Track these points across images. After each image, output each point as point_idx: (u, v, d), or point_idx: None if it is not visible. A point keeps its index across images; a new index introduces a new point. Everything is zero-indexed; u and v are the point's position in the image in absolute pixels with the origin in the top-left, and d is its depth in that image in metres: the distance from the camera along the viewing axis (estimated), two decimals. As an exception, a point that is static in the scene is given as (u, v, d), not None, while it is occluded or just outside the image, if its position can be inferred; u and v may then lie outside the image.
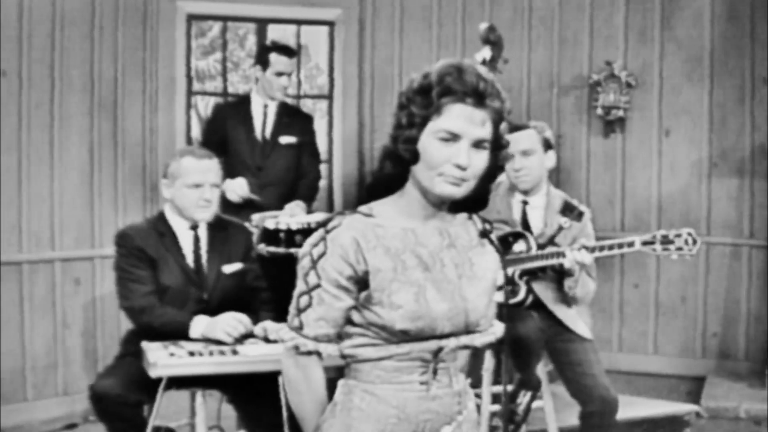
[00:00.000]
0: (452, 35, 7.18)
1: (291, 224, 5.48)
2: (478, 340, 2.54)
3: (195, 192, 4.48)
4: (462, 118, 2.36)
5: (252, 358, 4.06)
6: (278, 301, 4.93)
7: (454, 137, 2.36)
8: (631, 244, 4.56)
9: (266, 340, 4.31)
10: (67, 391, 6.28)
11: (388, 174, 2.48)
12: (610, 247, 4.56)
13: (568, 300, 4.73)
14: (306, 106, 7.06)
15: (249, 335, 4.25)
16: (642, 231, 6.87)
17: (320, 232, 2.44)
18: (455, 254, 2.52)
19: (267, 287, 4.74)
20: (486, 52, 5.49)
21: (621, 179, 7.13)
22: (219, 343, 4.18)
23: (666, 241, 4.52)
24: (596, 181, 7.17)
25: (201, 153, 4.58)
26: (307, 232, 5.52)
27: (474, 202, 2.51)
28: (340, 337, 2.47)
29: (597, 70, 7.05)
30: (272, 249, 5.52)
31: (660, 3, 7.01)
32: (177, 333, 4.27)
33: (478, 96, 2.37)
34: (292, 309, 2.47)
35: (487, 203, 2.54)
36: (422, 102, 2.38)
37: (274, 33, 7.04)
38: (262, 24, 7.14)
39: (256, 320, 4.48)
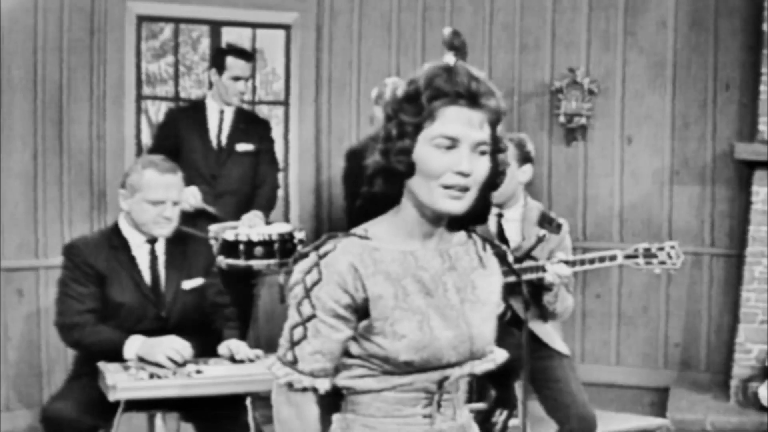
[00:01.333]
0: (412, 40, 7.02)
1: (251, 235, 5.33)
2: (478, 367, 2.36)
3: (155, 209, 4.25)
4: (458, 121, 2.17)
5: (217, 379, 3.87)
6: (241, 317, 4.75)
7: (452, 143, 2.17)
8: (613, 258, 4.44)
9: (232, 360, 4.12)
10: (9, 406, 6.02)
11: (380, 192, 2.28)
12: (591, 261, 4.44)
13: (544, 315, 4.59)
14: (262, 112, 6.89)
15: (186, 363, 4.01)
16: (604, 240, 6.84)
17: (312, 257, 2.24)
18: (457, 277, 2.33)
19: (230, 303, 4.53)
20: (450, 59, 5.32)
21: (583, 187, 7.01)
22: (157, 365, 3.95)
23: (649, 254, 4.40)
24: (558, 189, 7.03)
25: (164, 166, 4.33)
26: (267, 243, 5.36)
27: (474, 215, 2.31)
28: (337, 370, 2.27)
29: (559, 77, 6.92)
30: (231, 261, 5.36)
31: (623, 9, 6.90)
32: (110, 353, 4.03)
33: (473, 96, 2.18)
34: (284, 342, 2.26)
35: (488, 216, 2.36)
36: (412, 109, 2.18)
37: (229, 36, 6.82)
38: (215, 27, 6.91)
39: (218, 339, 4.29)
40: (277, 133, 6.38)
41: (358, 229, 2.28)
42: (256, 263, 5.40)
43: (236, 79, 5.95)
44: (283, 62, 7.06)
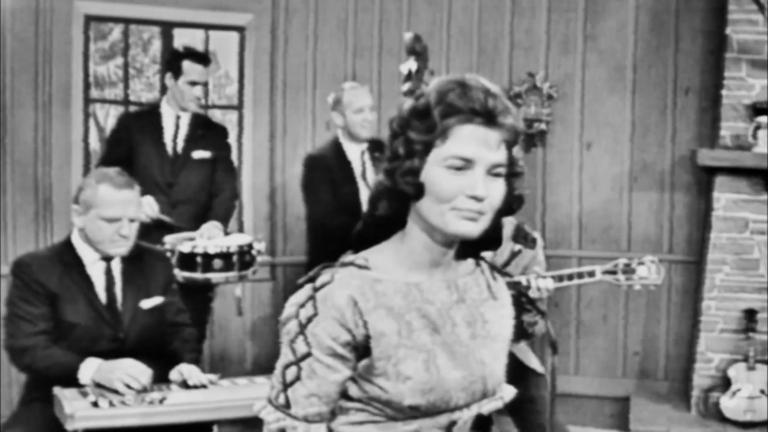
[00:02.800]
0: (368, 43, 6.85)
1: (208, 248, 5.13)
2: (485, 407, 2.18)
3: (111, 226, 4.02)
4: (473, 141, 1.99)
5: (182, 407, 3.66)
6: (199, 339, 4.57)
7: (465, 164, 1.99)
8: (591, 274, 4.32)
9: (184, 385, 3.92)
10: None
11: (384, 216, 2.11)
12: (570, 277, 4.31)
13: (520, 334, 4.45)
14: (215, 116, 6.69)
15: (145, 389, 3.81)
16: (563, 247, 6.75)
17: (307, 290, 2.05)
18: (466, 311, 2.15)
19: (190, 323, 4.33)
20: (411, 64, 5.21)
21: (542, 194, 6.90)
22: (113, 391, 3.74)
23: (628, 270, 4.28)
24: (517, 196, 6.88)
25: (120, 181, 4.07)
26: (226, 255, 5.17)
27: (486, 240, 2.13)
28: (333, 414, 2.08)
29: (518, 81, 6.82)
30: (188, 274, 5.17)
31: (583, 13, 6.82)
32: (64, 377, 3.80)
33: (489, 114, 2.00)
34: (275, 383, 2.07)
35: (501, 242, 2.20)
36: (422, 126, 2.01)
37: (181, 38, 6.61)
38: (167, 28, 6.69)
39: (177, 360, 4.09)
40: (230, 138, 6.17)
41: (358, 258, 2.10)
42: (215, 276, 5.23)
43: (193, 84, 5.74)
44: (237, 65, 6.87)
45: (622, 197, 6.88)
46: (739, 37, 6.30)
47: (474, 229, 2.02)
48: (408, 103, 2.08)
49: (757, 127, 6.19)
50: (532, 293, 4.25)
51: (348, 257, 2.11)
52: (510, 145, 2.05)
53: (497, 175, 2.03)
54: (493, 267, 2.29)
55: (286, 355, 2.05)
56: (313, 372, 2.03)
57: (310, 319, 2.02)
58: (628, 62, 6.82)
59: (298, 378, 2.04)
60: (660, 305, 6.82)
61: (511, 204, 2.11)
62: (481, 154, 2.00)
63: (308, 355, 2.02)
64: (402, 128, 2.05)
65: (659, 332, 6.88)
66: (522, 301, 4.28)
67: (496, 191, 2.03)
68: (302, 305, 2.04)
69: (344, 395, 2.07)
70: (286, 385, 2.05)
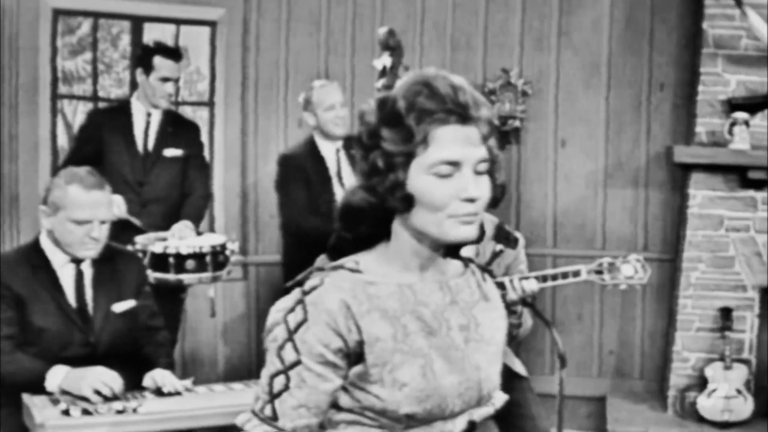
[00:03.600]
0: (342, 39, 6.77)
1: (181, 248, 5.03)
2: (477, 413, 2.09)
3: (81, 229, 3.88)
4: (456, 142, 1.92)
5: (157, 415, 3.54)
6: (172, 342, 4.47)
7: (453, 167, 1.92)
8: (576, 273, 4.25)
9: (159, 392, 3.81)
10: None
11: (367, 234, 2.03)
12: (554, 277, 4.24)
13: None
14: (185, 113, 6.57)
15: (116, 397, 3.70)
16: (537, 246, 6.69)
17: (296, 294, 1.96)
18: (459, 313, 2.07)
19: (163, 326, 4.22)
20: (386, 59, 5.14)
21: (516, 192, 6.83)
22: (84, 399, 3.61)
23: (614, 269, 4.22)
24: (491, 194, 6.82)
25: (91, 182, 3.93)
26: (198, 256, 5.07)
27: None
28: (322, 427, 1.99)
29: (492, 78, 6.75)
30: (160, 275, 5.06)
31: (557, 8, 6.76)
32: (31, 384, 3.67)
33: (463, 110, 1.92)
34: (261, 393, 1.96)
35: (483, 237, 2.12)
36: (397, 136, 1.92)
37: (151, 33, 6.49)
38: (137, 22, 6.56)
39: (150, 365, 3.98)
40: (202, 135, 6.11)
41: (348, 261, 2.01)
42: (187, 277, 5.12)
43: (164, 80, 5.62)
44: (208, 61, 6.77)
45: (596, 195, 6.84)
46: (715, 32, 6.27)
47: (473, 232, 1.97)
48: (370, 112, 1.98)
49: (733, 123, 6.16)
50: (515, 294, 4.18)
51: (337, 261, 2.03)
52: (487, 137, 1.98)
53: (482, 171, 1.97)
54: (483, 268, 2.21)
55: (273, 364, 1.95)
56: (303, 381, 1.93)
57: (299, 325, 1.94)
58: (603, 58, 6.77)
59: (286, 388, 1.94)
60: (635, 303, 6.78)
61: (496, 195, 2.04)
62: (466, 154, 1.93)
63: (297, 363, 1.93)
64: (374, 141, 1.96)
65: (634, 331, 6.84)
66: (506, 303, 4.21)
67: (484, 188, 1.97)
68: (291, 310, 1.95)
69: (334, 406, 1.98)
70: (273, 396, 1.95)
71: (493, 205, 2.05)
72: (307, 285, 1.97)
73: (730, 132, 6.16)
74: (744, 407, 6.09)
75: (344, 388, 1.96)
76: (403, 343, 1.96)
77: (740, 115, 6.16)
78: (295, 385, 1.93)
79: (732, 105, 6.25)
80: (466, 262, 2.17)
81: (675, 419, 6.23)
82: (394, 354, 1.95)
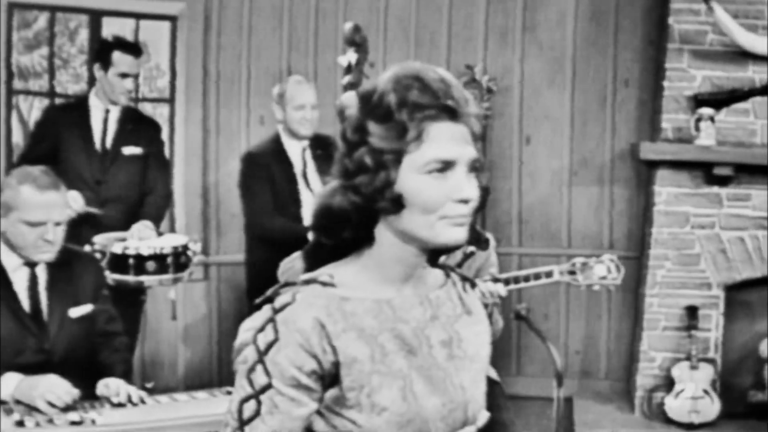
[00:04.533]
0: (304, 34, 6.67)
1: (141, 249, 4.89)
2: None
3: (34, 231, 3.73)
4: (451, 140, 1.80)
5: (118, 428, 3.39)
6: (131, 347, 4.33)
7: (447, 166, 1.80)
8: (549, 274, 4.18)
9: (109, 401, 3.67)
10: None
11: (351, 238, 1.88)
12: (526, 278, 4.16)
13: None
14: (145, 110, 6.44)
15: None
16: (502, 245, 6.60)
17: (266, 311, 1.82)
18: (441, 329, 1.93)
19: (121, 331, 4.08)
20: (351, 56, 5.03)
21: (482, 190, 6.75)
22: (35, 409, 3.48)
23: (587, 269, 4.15)
24: (455, 192, 6.76)
25: (45, 182, 3.78)
26: (159, 257, 4.94)
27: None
28: None
29: (456, 74, 6.55)
30: (120, 277, 4.93)
31: (522, 4, 6.72)
32: None
33: (456, 106, 1.81)
34: (231, 420, 1.82)
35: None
36: (388, 132, 1.80)
37: (110, 27, 6.34)
38: (95, 16, 6.42)
39: (107, 372, 3.84)
40: (162, 132, 5.99)
41: (321, 274, 1.87)
42: (148, 279, 4.99)
43: (123, 76, 5.47)
44: (168, 56, 6.64)
45: (562, 192, 6.81)
46: (681, 27, 6.26)
47: (464, 234, 1.84)
48: (352, 106, 1.86)
49: (699, 119, 6.13)
50: (484, 299, 4.09)
51: (309, 275, 1.89)
52: (477, 136, 1.87)
53: (473, 171, 1.86)
54: (464, 277, 2.07)
55: (242, 388, 1.81)
56: (275, 406, 1.79)
57: (270, 346, 1.79)
58: (568, 54, 6.74)
59: (257, 414, 1.80)
60: (600, 303, 6.74)
61: (480, 198, 1.91)
62: (460, 153, 1.82)
63: (268, 386, 1.79)
64: (360, 137, 1.83)
65: (600, 330, 6.82)
66: None
67: (476, 189, 1.86)
68: (260, 330, 1.81)
69: (308, 431, 1.85)
70: (243, 422, 1.81)
71: (480, 209, 1.94)
72: (278, 302, 1.82)
73: (696, 128, 6.13)
74: (711, 408, 6.06)
75: (319, 413, 1.84)
76: (381, 363, 1.83)
77: (706, 110, 6.13)
78: (267, 411, 1.79)
79: (698, 101, 6.23)
80: (447, 271, 2.05)
81: (643, 420, 6.20)
82: (371, 376, 1.81)
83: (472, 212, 1.85)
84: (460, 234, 1.83)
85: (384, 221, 1.86)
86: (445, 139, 1.80)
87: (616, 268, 4.21)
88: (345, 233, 1.88)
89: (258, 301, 1.87)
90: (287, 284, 1.87)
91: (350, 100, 1.88)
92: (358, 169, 1.83)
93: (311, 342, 1.78)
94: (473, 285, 2.09)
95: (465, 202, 1.81)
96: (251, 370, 1.80)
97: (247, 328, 1.86)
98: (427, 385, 1.87)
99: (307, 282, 1.86)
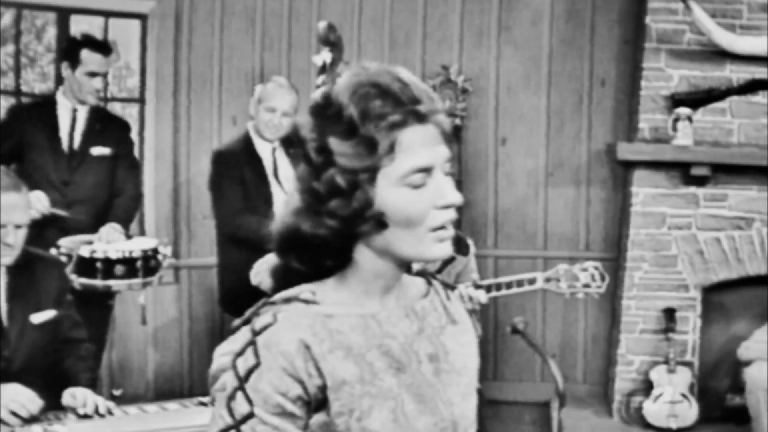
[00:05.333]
0: (277, 33, 6.55)
1: (109, 252, 4.77)
2: None
3: None
4: (423, 145, 1.68)
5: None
6: (97, 354, 4.21)
7: (425, 174, 1.68)
8: (532, 281, 4.12)
9: (75, 412, 3.55)
10: None
11: (328, 265, 1.76)
12: (509, 285, 4.11)
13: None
14: (114, 110, 6.34)
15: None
16: (478, 247, 6.52)
17: (244, 333, 1.69)
18: (427, 342, 1.81)
19: (86, 338, 3.96)
20: (326, 55, 4.94)
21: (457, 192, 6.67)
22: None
23: (571, 276, 4.08)
24: (430, 194, 6.68)
25: (4, 183, 3.69)
26: (129, 261, 4.83)
27: None
28: None
29: (431, 75, 6.56)
30: (87, 281, 4.81)
31: (498, 3, 6.63)
32: None
33: (419, 106, 1.69)
34: None
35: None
36: (356, 149, 1.66)
37: (78, 25, 6.22)
38: (63, 14, 6.28)
39: (71, 381, 3.71)
40: (132, 133, 5.89)
41: (303, 291, 1.74)
42: (116, 283, 4.88)
43: (92, 74, 5.36)
44: (139, 55, 6.52)
45: (537, 194, 6.74)
46: (658, 26, 6.21)
47: (449, 248, 1.74)
48: (305, 126, 1.72)
49: (676, 119, 6.08)
50: (465, 305, 4.01)
51: (288, 292, 1.76)
52: (446, 133, 1.75)
53: (448, 172, 1.74)
54: (446, 285, 1.96)
55: (222, 418, 1.68)
56: None
57: (251, 371, 1.66)
58: (544, 54, 6.67)
59: None
60: (577, 306, 6.65)
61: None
62: (436, 156, 1.70)
63: (250, 416, 1.66)
64: (325, 157, 1.69)
65: (577, 334, 6.75)
66: None
67: (457, 191, 1.75)
68: (240, 354, 1.68)
69: None
70: None
71: None
72: (258, 323, 1.70)
73: (674, 128, 6.09)
74: (689, 412, 6.02)
75: None
76: (371, 384, 1.71)
77: (683, 110, 6.09)
78: None
79: (675, 100, 6.18)
80: (429, 278, 1.93)
81: (621, 425, 6.15)
82: (362, 399, 1.69)
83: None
84: (445, 248, 1.73)
85: (363, 241, 1.75)
86: (417, 145, 1.68)
87: (600, 276, 4.15)
88: (322, 260, 1.76)
89: (236, 323, 1.74)
90: (266, 303, 1.75)
91: (302, 119, 1.74)
92: (331, 192, 1.69)
93: (296, 365, 1.66)
94: (453, 289, 1.98)
95: (450, 207, 1.71)
96: (231, 398, 1.68)
97: (224, 352, 1.76)
98: (417, 405, 1.75)
99: (288, 300, 1.74)
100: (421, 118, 1.69)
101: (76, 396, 3.60)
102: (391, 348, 1.75)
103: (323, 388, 1.68)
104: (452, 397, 1.81)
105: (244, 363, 1.67)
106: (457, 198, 1.72)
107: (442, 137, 1.73)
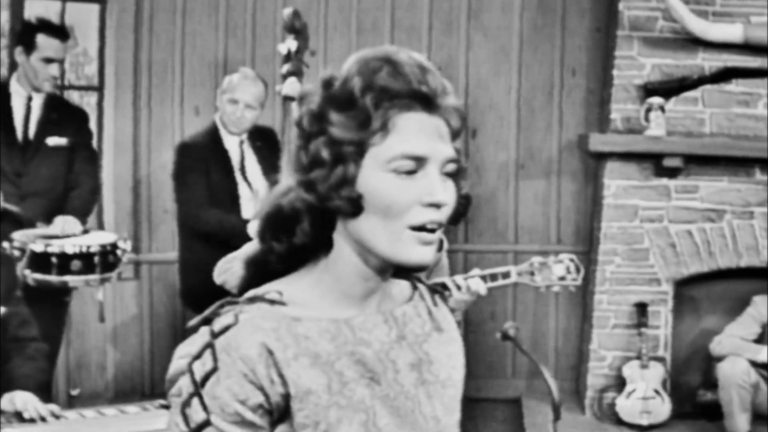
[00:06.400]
0: (241, 20, 6.38)
1: (65, 247, 4.59)
2: None
3: None
4: (422, 133, 1.54)
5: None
6: (49, 353, 4.02)
7: (416, 164, 1.54)
8: (506, 275, 3.99)
9: (19, 417, 3.37)
10: None
11: (302, 244, 1.61)
12: (482, 279, 3.96)
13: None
14: (71, 98, 6.20)
15: None
16: (450, 241, 6.38)
17: (202, 334, 1.56)
18: (408, 350, 1.67)
19: (37, 336, 3.78)
20: (291, 43, 4.81)
21: (426, 185, 6.56)
22: None
23: (545, 269, 3.96)
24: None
25: None
26: (86, 256, 4.65)
27: None
28: None
29: (400, 63, 6.42)
30: (41, 277, 4.63)
31: (468, -12, 6.52)
32: None
33: (431, 96, 1.56)
34: None
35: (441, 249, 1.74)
36: (349, 120, 1.54)
37: (33, 9, 6.03)
38: (18, -3, 6.16)
39: (20, 383, 3.53)
40: (90, 122, 5.69)
41: (269, 291, 1.60)
42: (73, 279, 4.69)
43: (48, 61, 5.16)
44: (97, 42, 6.35)
45: (508, 186, 6.64)
46: (631, 13, 6.15)
47: (430, 255, 1.58)
48: (313, 93, 1.59)
49: (649, 109, 6.02)
50: (464, 296, 3.90)
51: (253, 291, 1.62)
52: (456, 133, 1.61)
53: (449, 173, 1.59)
54: (433, 289, 1.80)
55: (176, 425, 1.55)
56: None
57: (208, 376, 1.53)
58: (514, 42, 6.56)
59: None
60: (548, 301, 6.56)
61: (459, 208, 1.67)
62: (433, 149, 1.55)
63: (206, 424, 1.52)
64: (318, 126, 1.56)
65: (548, 329, 6.67)
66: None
67: (452, 194, 1.59)
68: (197, 357, 1.54)
69: None
70: None
71: (454, 221, 1.67)
72: (217, 324, 1.56)
73: (646, 118, 6.03)
74: (662, 408, 5.96)
75: None
76: (339, 395, 1.57)
77: (656, 100, 6.04)
78: None
79: (648, 90, 6.12)
80: (414, 281, 1.78)
81: (593, 421, 6.10)
82: (329, 410, 1.56)
83: (444, 222, 1.59)
84: (426, 253, 1.57)
85: (341, 226, 1.60)
86: (415, 132, 1.55)
87: (576, 268, 4.04)
88: (297, 237, 1.61)
89: (193, 322, 1.60)
90: (228, 302, 1.60)
91: (313, 86, 1.61)
92: (314, 162, 1.57)
93: (257, 372, 1.53)
94: (443, 297, 1.82)
95: (437, 206, 1.55)
96: (186, 404, 1.54)
97: (182, 354, 1.59)
98: (393, 418, 1.62)
99: (252, 300, 1.59)
100: (429, 106, 1.57)
101: (14, 401, 3.42)
102: (364, 356, 1.61)
103: (286, 397, 1.55)
104: (435, 410, 1.68)
105: (201, 367, 1.54)
106: (446, 198, 1.56)
107: (449, 134, 1.60)
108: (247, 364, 1.52)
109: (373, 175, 1.54)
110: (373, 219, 1.55)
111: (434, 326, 1.75)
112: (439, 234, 1.58)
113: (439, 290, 1.82)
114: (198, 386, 1.53)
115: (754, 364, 5.62)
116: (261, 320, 1.55)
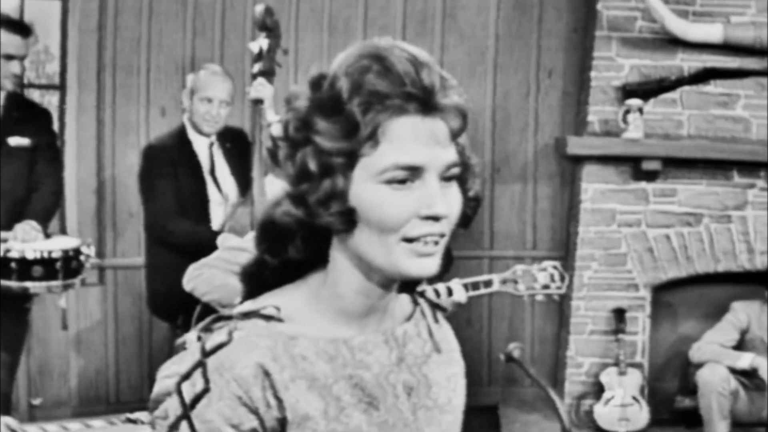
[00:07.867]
0: (210, 18, 6.22)
1: (25, 252, 4.43)
2: None
3: None
4: (417, 140, 1.40)
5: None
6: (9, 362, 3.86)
7: (412, 173, 1.40)
8: (488, 284, 3.88)
9: None
10: None
11: (294, 260, 1.49)
12: (464, 288, 3.84)
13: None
14: (33, 97, 6.04)
15: None
16: (422, 246, 6.30)
17: (193, 352, 1.43)
18: (407, 373, 1.55)
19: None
20: (262, 41, 4.75)
21: (399, 190, 6.45)
22: None
23: (528, 277, 3.85)
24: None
25: None
26: (47, 262, 4.49)
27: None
28: None
29: (373, 63, 6.30)
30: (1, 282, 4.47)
31: (443, -12, 6.45)
32: None
33: (427, 96, 1.41)
34: None
35: (452, 263, 1.60)
36: (335, 128, 1.40)
37: (-8, 6, 5.89)
38: (-25, -8, 5.97)
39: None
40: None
41: (265, 306, 1.47)
42: (34, 285, 4.54)
43: (8, 58, 4.97)
44: (59, 39, 6.20)
45: (483, 191, 6.47)
46: (609, 13, 6.10)
47: (433, 266, 1.44)
48: (300, 96, 1.44)
49: (627, 111, 5.96)
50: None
51: (249, 305, 1.49)
52: (457, 133, 1.46)
53: (451, 178, 1.45)
54: (435, 305, 1.67)
55: None
56: None
57: (198, 398, 1.41)
58: (490, 43, 6.48)
59: None
60: (524, 306, 6.46)
61: (467, 211, 1.52)
62: (430, 157, 1.41)
63: None
64: (304, 133, 1.42)
65: (524, 335, 6.57)
66: None
67: (454, 202, 1.45)
68: (186, 377, 1.42)
69: None
70: None
71: (464, 224, 1.52)
72: (209, 342, 1.44)
73: (625, 120, 5.99)
74: (640, 415, 5.94)
75: None
76: (336, 421, 1.46)
77: (634, 102, 6.00)
78: None
79: (626, 91, 6.07)
80: (415, 297, 1.65)
81: (571, 429, 5.92)
82: None
83: (450, 229, 1.46)
84: (427, 265, 1.44)
85: (337, 240, 1.47)
86: (408, 139, 1.40)
87: (560, 276, 3.93)
88: (290, 252, 1.48)
89: (182, 340, 1.48)
90: (220, 317, 1.47)
91: (300, 88, 1.46)
92: (301, 174, 1.43)
93: (252, 394, 1.42)
94: (445, 311, 1.69)
95: (435, 219, 1.42)
96: (173, 427, 1.42)
97: (168, 373, 1.45)
98: None
99: (247, 315, 1.46)
100: (424, 108, 1.42)
101: None
102: (363, 380, 1.50)
103: (282, 422, 1.43)
104: None
105: (190, 388, 1.42)
106: (445, 210, 1.43)
107: (448, 138, 1.45)
108: (241, 385, 1.41)
109: (365, 188, 1.41)
110: (367, 233, 1.43)
111: (434, 347, 1.63)
112: (441, 245, 1.45)
113: (440, 305, 1.69)
114: (187, 408, 1.41)
115: (734, 371, 5.59)
116: (257, 338, 1.43)
